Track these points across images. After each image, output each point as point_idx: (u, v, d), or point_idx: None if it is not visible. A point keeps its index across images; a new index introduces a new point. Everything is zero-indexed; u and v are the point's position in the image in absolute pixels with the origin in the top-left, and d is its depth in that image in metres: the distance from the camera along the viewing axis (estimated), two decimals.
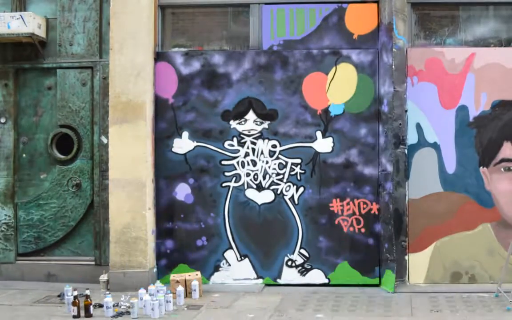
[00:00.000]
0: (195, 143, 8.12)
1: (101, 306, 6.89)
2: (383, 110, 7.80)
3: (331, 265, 7.96)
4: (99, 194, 8.25)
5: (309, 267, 7.99)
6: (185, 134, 8.13)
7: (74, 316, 6.62)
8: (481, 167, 7.78)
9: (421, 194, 7.84)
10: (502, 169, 7.77)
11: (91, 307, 6.68)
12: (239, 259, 8.07)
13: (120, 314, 6.71)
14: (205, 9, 8.43)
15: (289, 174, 8.01)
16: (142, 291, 7.01)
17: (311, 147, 8.01)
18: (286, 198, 8.03)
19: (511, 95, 7.76)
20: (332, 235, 7.96)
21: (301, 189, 7.98)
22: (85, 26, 8.30)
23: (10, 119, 8.44)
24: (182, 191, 8.14)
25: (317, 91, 7.99)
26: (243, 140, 8.08)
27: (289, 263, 8.04)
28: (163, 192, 8.15)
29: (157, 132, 8.14)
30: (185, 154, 8.14)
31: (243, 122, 8.08)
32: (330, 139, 7.98)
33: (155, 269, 8.07)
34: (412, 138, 7.85)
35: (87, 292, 6.71)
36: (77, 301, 6.64)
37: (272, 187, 8.06)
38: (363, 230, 7.94)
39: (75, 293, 6.75)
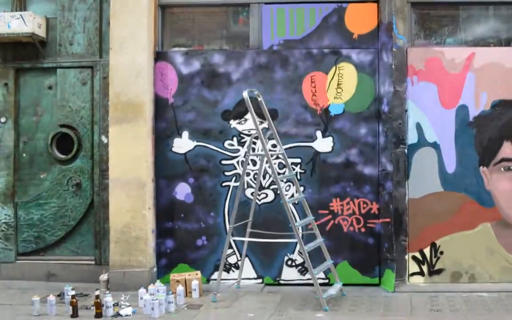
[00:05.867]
0: (195, 143, 8.12)
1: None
2: (383, 110, 7.80)
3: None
4: (99, 194, 8.25)
5: None
6: (185, 133, 8.14)
7: (71, 316, 6.64)
8: (481, 167, 7.78)
9: (421, 193, 7.83)
10: (502, 169, 7.76)
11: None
12: (239, 258, 8.07)
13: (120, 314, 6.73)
14: (205, 8, 8.43)
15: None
16: (142, 290, 7.03)
17: (311, 146, 8.01)
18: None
19: (511, 95, 7.76)
20: (332, 234, 7.96)
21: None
22: (85, 25, 8.30)
23: (10, 118, 8.44)
24: (182, 191, 8.14)
25: (317, 91, 7.99)
26: (243, 140, 8.08)
27: (289, 262, 8.04)
28: (163, 192, 8.15)
29: (157, 131, 8.14)
30: (185, 154, 8.14)
31: (243, 122, 8.08)
32: (330, 138, 7.98)
33: (155, 269, 8.07)
34: (412, 137, 7.84)
35: (72, 293, 6.78)
36: (75, 300, 6.66)
37: (272, 187, 8.06)
38: (363, 229, 7.94)
39: (73, 292, 6.78)
